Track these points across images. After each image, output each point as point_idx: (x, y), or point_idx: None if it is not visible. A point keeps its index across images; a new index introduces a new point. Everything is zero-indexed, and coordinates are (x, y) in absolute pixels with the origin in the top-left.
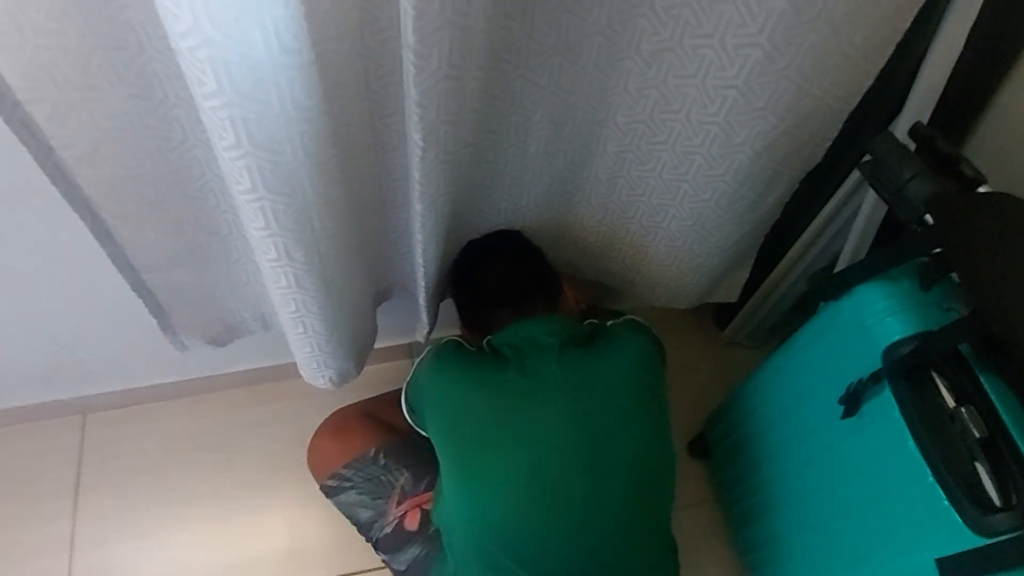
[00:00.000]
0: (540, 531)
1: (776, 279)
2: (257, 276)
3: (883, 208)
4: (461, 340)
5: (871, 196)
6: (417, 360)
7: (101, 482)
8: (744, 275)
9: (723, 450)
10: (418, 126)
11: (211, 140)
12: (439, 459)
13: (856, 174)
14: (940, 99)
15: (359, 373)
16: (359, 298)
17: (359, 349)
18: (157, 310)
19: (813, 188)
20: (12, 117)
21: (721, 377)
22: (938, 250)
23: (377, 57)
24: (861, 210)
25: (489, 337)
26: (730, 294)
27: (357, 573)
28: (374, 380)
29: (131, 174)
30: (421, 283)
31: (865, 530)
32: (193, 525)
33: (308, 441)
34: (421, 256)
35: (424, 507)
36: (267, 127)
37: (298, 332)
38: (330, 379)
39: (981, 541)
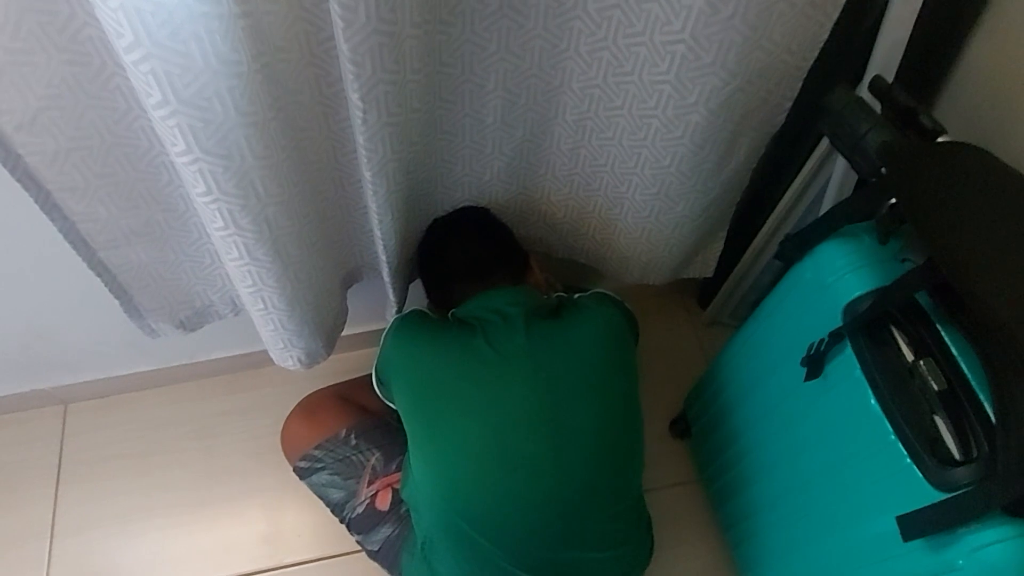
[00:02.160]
0: (506, 503)
1: (754, 253)
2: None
3: (854, 174)
4: (427, 310)
5: (841, 162)
6: (384, 332)
7: (82, 470)
8: (718, 248)
9: (702, 427)
10: (354, 84)
11: (140, 98)
12: (407, 431)
13: (824, 144)
14: (905, 56)
15: (328, 355)
16: (322, 276)
17: (327, 330)
18: (118, 290)
19: (784, 157)
20: None
21: (704, 357)
22: (893, 201)
23: (317, 21)
24: (832, 176)
25: (454, 310)
26: (705, 268)
27: (335, 556)
28: (348, 367)
29: (75, 145)
30: (383, 257)
31: (832, 496)
32: (172, 511)
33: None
34: (378, 227)
35: (395, 487)
36: (192, 82)
37: (258, 308)
38: (298, 359)
39: (943, 496)
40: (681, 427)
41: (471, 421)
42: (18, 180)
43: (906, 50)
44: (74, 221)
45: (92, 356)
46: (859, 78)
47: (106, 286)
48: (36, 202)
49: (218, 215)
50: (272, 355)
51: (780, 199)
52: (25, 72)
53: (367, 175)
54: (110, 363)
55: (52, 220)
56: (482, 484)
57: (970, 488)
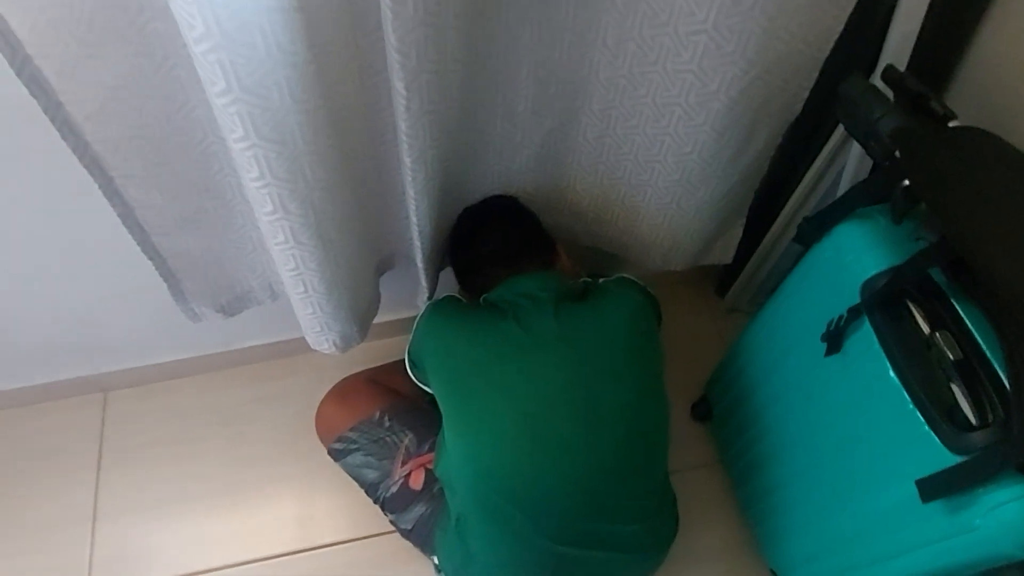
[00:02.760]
0: (539, 477)
1: (772, 239)
2: (263, 243)
3: (869, 161)
4: (458, 295)
5: (856, 149)
6: (417, 317)
7: (122, 456)
8: (737, 234)
9: (723, 408)
10: (400, 74)
11: (204, 87)
12: (441, 410)
13: (840, 132)
14: (916, 47)
15: (362, 339)
16: (358, 261)
17: (361, 314)
18: (167, 274)
19: (800, 145)
20: (23, 71)
21: (723, 344)
22: (906, 182)
23: (363, 14)
24: (847, 163)
25: (485, 294)
26: (724, 255)
27: (367, 537)
28: (377, 355)
29: (136, 134)
30: (417, 244)
31: (851, 468)
32: (209, 495)
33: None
34: (415, 214)
35: (428, 467)
36: (255, 71)
37: (299, 292)
38: (334, 343)
39: (960, 459)
40: (702, 410)
41: (504, 398)
42: (85, 166)
43: (917, 41)
44: (132, 207)
45: (133, 343)
46: (872, 68)
47: (157, 270)
48: (100, 188)
49: (268, 200)
50: (308, 339)
51: (797, 187)
52: (96, 64)
53: (407, 161)
54: (149, 350)
55: (113, 206)
56: (515, 458)
57: (986, 450)
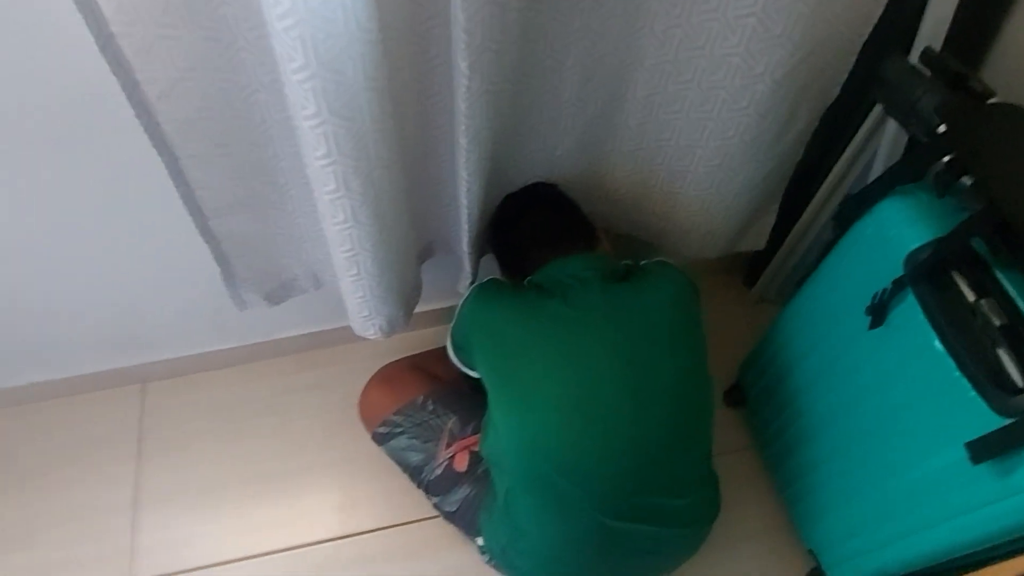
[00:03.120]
0: (588, 448)
1: (804, 226)
2: (311, 231)
3: (902, 145)
4: (502, 279)
5: (889, 134)
6: (461, 301)
7: (161, 445)
8: (770, 221)
9: (757, 392)
10: (464, 53)
11: (279, 65)
12: (488, 389)
13: (873, 116)
14: (951, 27)
15: (407, 323)
16: (407, 245)
17: (406, 299)
18: (221, 258)
19: (833, 131)
20: (107, 49)
21: (752, 333)
22: (949, 157)
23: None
24: (880, 147)
25: (530, 277)
26: (758, 241)
27: (409, 523)
28: (416, 345)
29: (202, 115)
30: (464, 227)
31: (894, 439)
32: (249, 482)
33: (356, 401)
34: (465, 196)
35: (472, 449)
36: (333, 46)
37: (352, 274)
38: (380, 327)
39: (1007, 422)
40: (736, 396)
41: (553, 373)
42: (154, 146)
43: (951, 24)
44: (193, 188)
45: (174, 333)
46: (907, 52)
47: (212, 253)
48: (166, 167)
49: (332, 178)
50: (354, 325)
51: (829, 173)
52: (170, 45)
53: (463, 142)
54: (189, 341)
55: (176, 186)
56: (565, 429)
57: None
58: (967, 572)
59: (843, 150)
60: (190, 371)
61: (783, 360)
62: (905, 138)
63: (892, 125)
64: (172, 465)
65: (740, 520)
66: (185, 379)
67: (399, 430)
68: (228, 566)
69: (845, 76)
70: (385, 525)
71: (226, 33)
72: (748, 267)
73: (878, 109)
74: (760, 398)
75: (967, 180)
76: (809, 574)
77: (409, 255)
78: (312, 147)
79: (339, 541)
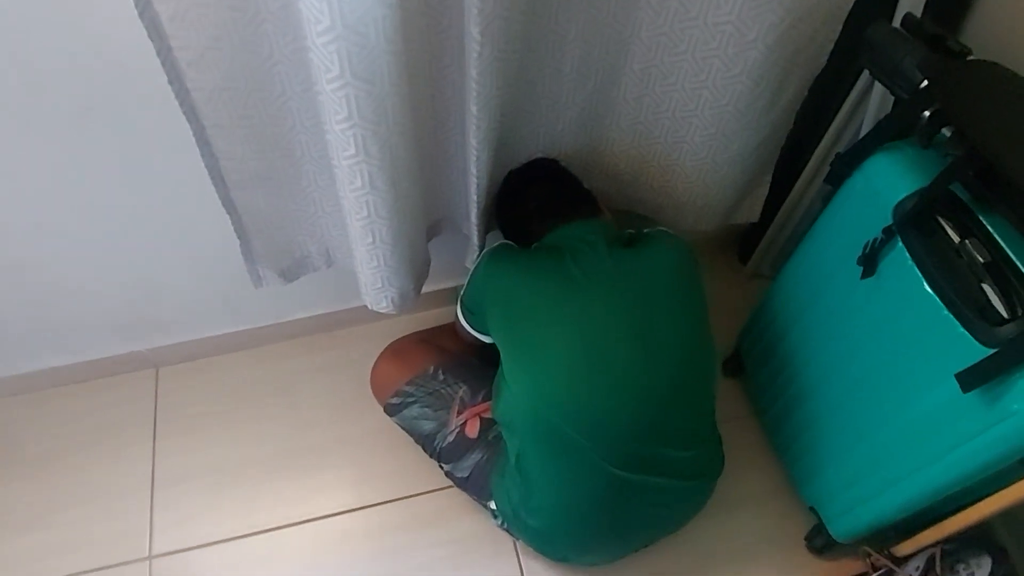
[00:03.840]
0: (598, 399)
1: (795, 200)
2: (325, 208)
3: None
4: (512, 244)
5: (873, 106)
6: (472, 268)
7: (176, 427)
8: (763, 192)
9: (755, 359)
10: (477, 19)
11: (305, 28)
12: (500, 349)
13: (859, 89)
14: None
15: (417, 296)
16: (419, 217)
17: (417, 272)
18: (240, 231)
19: (822, 105)
20: (144, 14)
21: (748, 308)
22: (931, 110)
23: None
24: (865, 122)
25: (537, 243)
26: (752, 213)
27: (420, 494)
28: (424, 325)
29: (227, 85)
30: (473, 197)
31: (888, 385)
32: (264, 460)
33: (366, 381)
34: (475, 165)
35: (483, 415)
36: (356, 8)
37: (367, 242)
38: (392, 300)
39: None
40: (733, 366)
41: (564, 329)
42: (184, 113)
43: None
44: (218, 158)
45: (188, 315)
46: (890, 20)
47: (232, 226)
48: (194, 135)
49: (352, 142)
50: (367, 298)
51: (817, 147)
52: (200, 14)
53: (473, 110)
54: (203, 323)
55: (202, 155)
56: (575, 381)
57: (1019, 337)
58: (953, 515)
59: (829, 125)
60: (202, 355)
61: (779, 323)
62: (890, 107)
63: (877, 97)
64: (187, 446)
65: (742, 484)
66: (197, 363)
67: (411, 400)
68: (248, 539)
69: (832, 44)
70: (400, 496)
71: (251, 4)
72: (742, 244)
73: (863, 82)
74: (758, 364)
75: (947, 131)
76: (811, 531)
77: (420, 228)
78: (334, 111)
79: (354, 512)
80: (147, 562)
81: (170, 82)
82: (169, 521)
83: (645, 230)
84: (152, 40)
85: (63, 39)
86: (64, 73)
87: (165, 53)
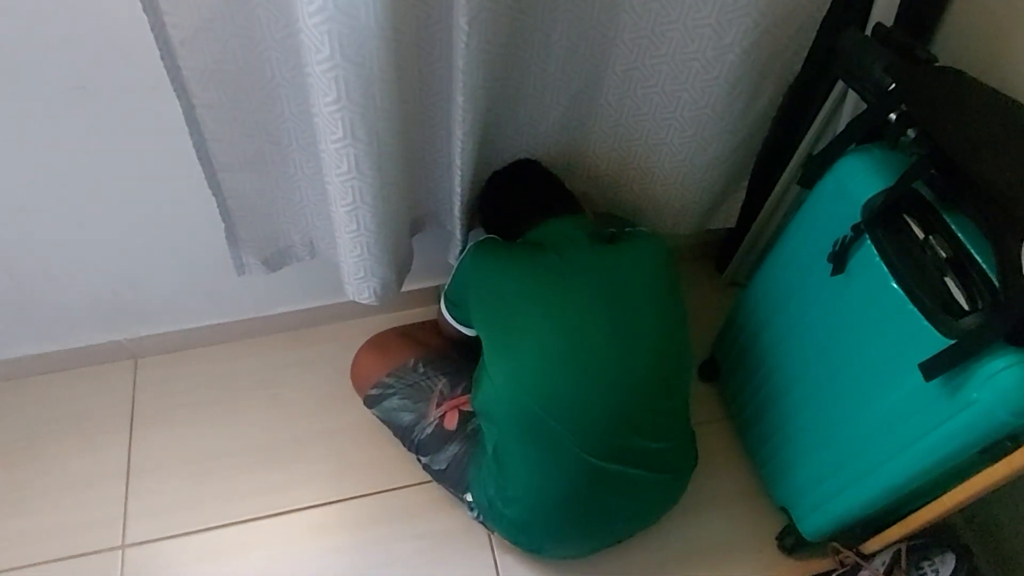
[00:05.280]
0: (576, 387)
1: (770, 207)
2: (310, 197)
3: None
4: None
5: (847, 114)
6: (457, 262)
7: (154, 417)
8: (740, 197)
9: (730, 361)
10: (464, 9)
11: (297, 11)
12: (483, 339)
13: (833, 98)
14: (900, 6)
15: (399, 289)
16: (403, 207)
17: (399, 264)
18: (225, 214)
19: (797, 111)
20: None
21: (723, 315)
22: (896, 113)
23: None
24: (841, 124)
25: (521, 239)
26: (729, 219)
27: (396, 488)
28: (405, 323)
29: (218, 67)
30: (457, 190)
31: (854, 382)
32: (243, 451)
33: (346, 376)
34: (460, 156)
35: (462, 408)
36: None
37: (351, 230)
38: (374, 290)
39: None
40: (710, 370)
41: (545, 320)
42: (175, 90)
43: (901, 3)
44: (206, 138)
45: (170, 305)
46: (862, 29)
47: (217, 208)
48: (184, 114)
49: (340, 125)
50: (349, 288)
51: (792, 156)
52: None
53: (459, 100)
54: (184, 314)
55: (191, 135)
56: (554, 372)
57: (978, 328)
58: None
59: (807, 132)
60: (182, 347)
61: (753, 325)
62: None
63: (851, 106)
64: (165, 436)
65: (715, 487)
66: (177, 355)
67: (391, 391)
68: (222, 529)
69: (806, 52)
70: (378, 490)
71: None
72: (719, 253)
73: (837, 91)
74: (732, 368)
75: (912, 132)
76: (782, 531)
77: (404, 219)
78: (323, 92)
79: (331, 505)
80: (120, 551)
81: (162, 58)
82: (143, 510)
83: (627, 229)
84: (147, 14)
85: (53, 14)
86: (55, 50)
87: (159, 29)
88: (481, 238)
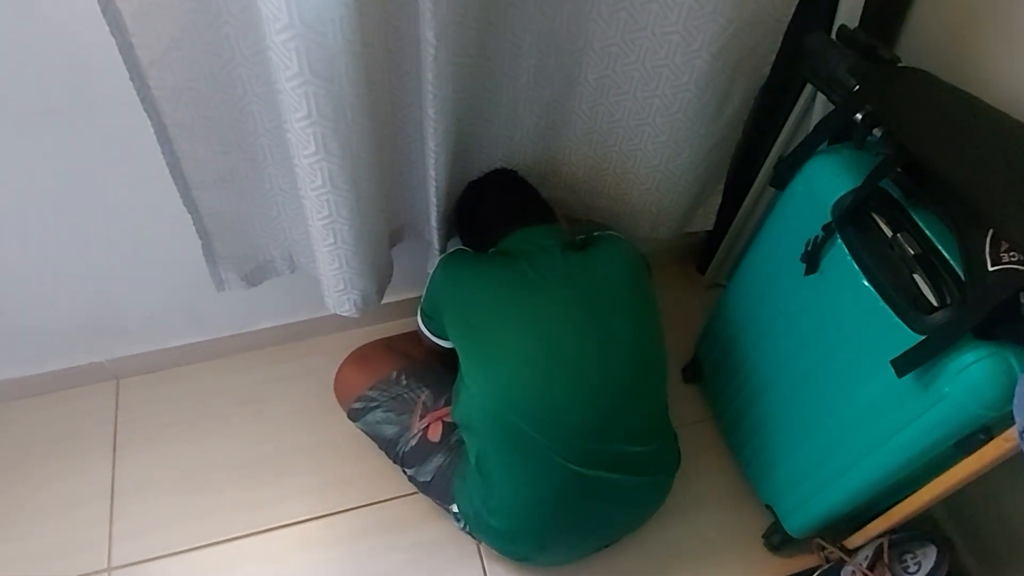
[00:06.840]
0: (554, 395)
1: (748, 208)
2: (287, 211)
3: None
4: (468, 249)
5: (817, 116)
6: (430, 275)
7: (137, 436)
8: (717, 200)
9: (712, 362)
10: (431, 23)
11: (265, 28)
12: (459, 352)
13: (803, 101)
14: (864, 9)
15: (379, 301)
16: (381, 220)
17: (379, 276)
18: (202, 232)
19: (769, 114)
20: (107, 9)
21: (706, 317)
22: (861, 113)
23: None
24: (812, 126)
25: (493, 248)
26: (706, 221)
27: (382, 501)
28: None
29: (189, 86)
30: (432, 200)
31: (831, 379)
32: (227, 467)
33: (330, 390)
34: (433, 168)
35: (445, 420)
36: (314, 7)
37: (328, 243)
38: (355, 303)
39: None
40: (692, 372)
41: (520, 329)
42: (145, 111)
43: (865, 5)
44: (179, 157)
45: (150, 325)
46: (828, 32)
47: (194, 226)
48: (156, 134)
49: (312, 140)
50: (329, 301)
51: (766, 160)
52: (162, 14)
53: (430, 112)
54: (165, 333)
55: (164, 154)
56: (532, 381)
57: (947, 323)
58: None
59: (779, 133)
60: (164, 366)
61: (733, 326)
62: None
63: (821, 107)
64: (148, 456)
65: (701, 487)
66: (160, 374)
67: (374, 404)
68: (209, 548)
69: (774, 55)
70: (365, 503)
71: (212, 6)
72: (700, 255)
73: (807, 93)
74: (714, 369)
75: (878, 132)
76: (768, 528)
77: (383, 231)
78: (294, 108)
79: (318, 520)
80: (106, 574)
81: (131, 79)
82: (129, 532)
83: (595, 233)
84: (114, 36)
85: (22, 36)
86: (24, 73)
87: (127, 50)
88: (450, 251)
